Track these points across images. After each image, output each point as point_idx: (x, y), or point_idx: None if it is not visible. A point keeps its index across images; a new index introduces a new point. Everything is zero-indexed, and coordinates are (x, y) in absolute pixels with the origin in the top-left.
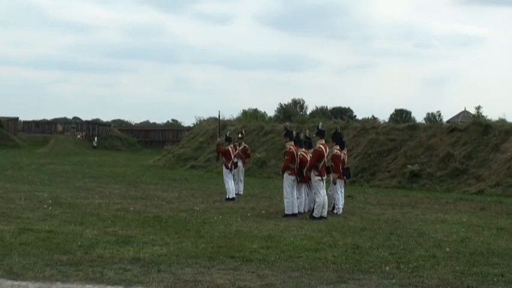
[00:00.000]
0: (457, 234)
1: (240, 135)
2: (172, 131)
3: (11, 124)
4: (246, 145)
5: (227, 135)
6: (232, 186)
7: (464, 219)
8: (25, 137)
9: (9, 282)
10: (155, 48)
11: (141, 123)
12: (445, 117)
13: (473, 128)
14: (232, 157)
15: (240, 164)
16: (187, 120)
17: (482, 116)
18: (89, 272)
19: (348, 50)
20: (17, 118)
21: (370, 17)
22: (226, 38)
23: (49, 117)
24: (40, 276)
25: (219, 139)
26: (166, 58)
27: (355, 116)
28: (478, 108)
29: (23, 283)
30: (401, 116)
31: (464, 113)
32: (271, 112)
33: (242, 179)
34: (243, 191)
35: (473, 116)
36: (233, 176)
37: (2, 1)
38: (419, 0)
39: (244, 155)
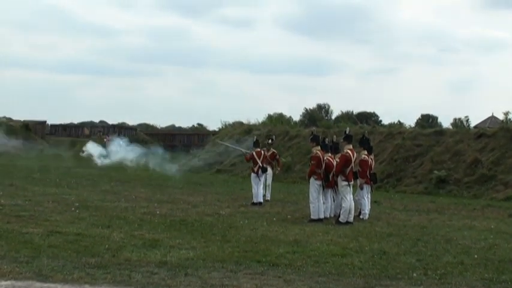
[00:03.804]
0: (485, 241)
1: (270, 141)
2: (197, 135)
3: (39, 127)
4: (275, 150)
5: (254, 139)
6: (259, 191)
7: (492, 226)
8: (52, 140)
9: (38, 284)
10: (179, 53)
11: (166, 127)
12: (473, 123)
13: (501, 134)
14: (259, 162)
15: (269, 169)
16: (213, 124)
17: (511, 122)
18: (117, 275)
19: (371, 54)
20: (45, 121)
21: (393, 21)
22: (249, 43)
23: (76, 121)
24: (69, 279)
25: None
26: (190, 62)
27: (381, 120)
28: (506, 113)
29: (52, 285)
30: (427, 121)
31: (492, 118)
32: (296, 116)
33: (270, 184)
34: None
35: (501, 121)
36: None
37: (28, 5)
38: (442, 5)
39: (272, 160)
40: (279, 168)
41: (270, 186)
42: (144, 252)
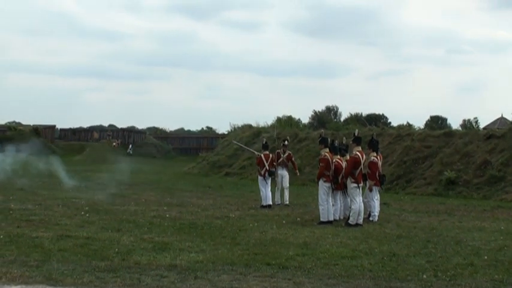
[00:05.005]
0: (495, 242)
1: (285, 143)
2: (206, 138)
3: (48, 132)
4: (290, 152)
5: (264, 142)
6: (267, 193)
7: (502, 227)
8: (62, 145)
9: None
10: (187, 56)
11: (175, 130)
12: (482, 124)
13: (510, 135)
14: (266, 165)
15: (285, 172)
16: (222, 127)
17: None
18: (127, 278)
19: (379, 56)
20: (54, 126)
21: (400, 23)
22: (257, 45)
23: (85, 125)
24: (78, 283)
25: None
26: (198, 65)
27: (390, 122)
28: None
29: None
30: (437, 122)
31: (501, 119)
32: (305, 119)
33: (287, 186)
34: (280, 200)
35: (511, 122)
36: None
37: (35, 11)
38: (448, 6)
39: (288, 162)
40: (297, 171)
41: (288, 190)
42: (154, 255)
